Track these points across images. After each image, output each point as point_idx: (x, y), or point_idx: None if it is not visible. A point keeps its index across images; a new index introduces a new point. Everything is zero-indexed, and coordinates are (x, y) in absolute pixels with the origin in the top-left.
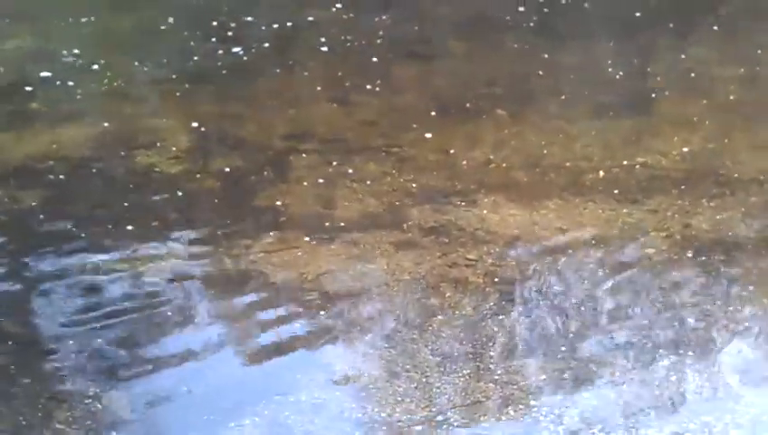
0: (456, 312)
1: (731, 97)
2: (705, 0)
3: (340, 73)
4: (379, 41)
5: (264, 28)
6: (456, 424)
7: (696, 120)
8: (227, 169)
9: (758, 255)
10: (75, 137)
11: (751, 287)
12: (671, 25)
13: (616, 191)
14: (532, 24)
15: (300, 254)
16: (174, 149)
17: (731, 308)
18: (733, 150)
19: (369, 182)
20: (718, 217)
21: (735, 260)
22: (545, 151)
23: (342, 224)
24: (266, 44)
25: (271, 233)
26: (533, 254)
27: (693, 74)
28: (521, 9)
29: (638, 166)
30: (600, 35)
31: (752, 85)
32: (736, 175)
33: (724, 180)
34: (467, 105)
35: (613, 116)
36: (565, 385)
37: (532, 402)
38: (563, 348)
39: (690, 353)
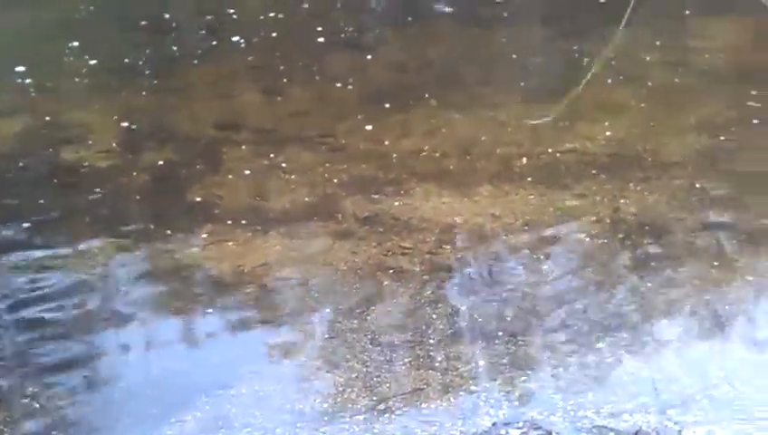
0: (394, 300)
1: (655, 82)
2: None
3: (271, 63)
4: (311, 30)
5: (196, 18)
6: (397, 412)
7: (622, 106)
8: (159, 163)
9: (687, 236)
10: (1, 132)
11: (680, 268)
12: (599, 11)
13: (545, 177)
14: (462, 13)
15: (235, 246)
16: (103, 143)
17: (662, 289)
18: (657, 135)
19: (302, 173)
20: (645, 200)
21: (664, 242)
22: (476, 139)
23: (277, 215)
24: (198, 35)
25: (205, 226)
26: (467, 241)
27: (619, 60)
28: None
29: (566, 152)
30: (528, 22)
31: (675, 70)
32: (661, 159)
33: (650, 164)
34: (397, 93)
35: (541, 102)
36: (504, 370)
37: (472, 388)
38: (500, 333)
39: (625, 335)
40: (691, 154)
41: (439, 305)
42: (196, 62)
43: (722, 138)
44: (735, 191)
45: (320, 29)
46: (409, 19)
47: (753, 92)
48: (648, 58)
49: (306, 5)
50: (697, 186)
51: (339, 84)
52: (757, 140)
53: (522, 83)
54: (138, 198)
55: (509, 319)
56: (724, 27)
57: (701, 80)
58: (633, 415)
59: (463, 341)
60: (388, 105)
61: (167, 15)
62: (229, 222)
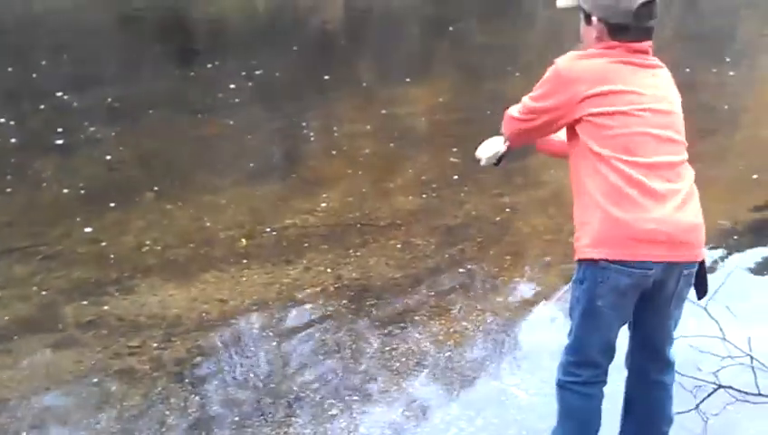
0: (125, 403)
1: (367, 150)
2: (328, 72)
3: None
4: (10, 133)
5: None
6: None
7: (336, 177)
8: None
9: (404, 293)
10: None
11: (402, 324)
12: (297, 93)
13: (269, 255)
14: (170, 103)
15: None
16: None
17: (387, 348)
18: (369, 201)
19: (15, 286)
20: (365, 264)
21: (386, 301)
22: (198, 226)
23: None
24: None
25: None
26: (197, 330)
27: (324, 135)
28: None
29: (287, 227)
30: (243, 103)
31: (375, 139)
32: (375, 222)
33: (366, 229)
34: (114, 191)
35: (258, 183)
36: None
37: None
38: (236, 418)
39: (355, 398)
40: (402, 215)
41: (172, 401)
42: None
43: (424, 196)
44: (445, 245)
45: (22, 133)
46: (119, 112)
47: (454, 149)
48: (366, 127)
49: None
50: (410, 243)
51: (47, 188)
52: (458, 195)
53: (241, 164)
54: None
55: (245, 403)
56: (424, 91)
57: (407, 144)
58: None
59: (200, 433)
60: (103, 204)
61: None
62: None
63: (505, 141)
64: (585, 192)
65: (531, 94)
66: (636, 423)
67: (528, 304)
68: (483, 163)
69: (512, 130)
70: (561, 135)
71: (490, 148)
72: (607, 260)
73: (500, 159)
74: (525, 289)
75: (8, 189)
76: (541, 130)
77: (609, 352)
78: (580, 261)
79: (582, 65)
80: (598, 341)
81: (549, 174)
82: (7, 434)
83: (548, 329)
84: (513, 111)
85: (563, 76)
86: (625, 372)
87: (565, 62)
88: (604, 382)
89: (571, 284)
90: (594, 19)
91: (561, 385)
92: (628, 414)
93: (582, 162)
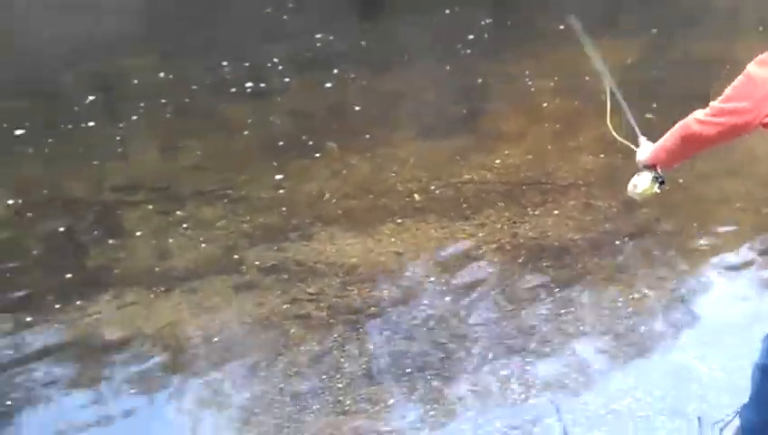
0: (302, 348)
1: (547, 108)
2: (519, 25)
3: (165, 120)
4: (206, 83)
5: (85, 80)
6: None
7: (516, 134)
8: (55, 231)
9: (582, 254)
10: None
11: (578, 287)
12: (487, 47)
13: (446, 209)
14: (355, 56)
15: (139, 309)
16: None
17: (562, 311)
18: (550, 159)
19: (203, 228)
20: (543, 223)
21: (562, 262)
22: (377, 178)
23: (180, 273)
24: (90, 97)
25: (107, 291)
26: (373, 280)
27: (509, 90)
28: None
29: (464, 183)
30: (418, 61)
31: (562, 95)
32: (556, 182)
33: (546, 188)
34: (299, 141)
35: (438, 137)
36: (414, 407)
37: (383, 429)
38: (409, 370)
39: (530, 357)
40: (584, 175)
41: (346, 348)
42: (88, 124)
43: (604, 156)
44: (628, 208)
45: (216, 80)
46: (306, 64)
47: (653, 105)
48: (551, 83)
49: (201, 58)
50: (590, 205)
51: (235, 135)
52: None
53: (422, 118)
54: (36, 267)
55: (417, 355)
56: (614, 48)
57: (593, 101)
58: None
59: (372, 381)
60: (288, 153)
61: (54, 80)
62: (131, 285)
63: (653, 168)
64: None
65: (720, 99)
66: None
67: (714, 275)
68: (639, 199)
69: (683, 138)
70: None
71: (643, 181)
72: None
73: (662, 183)
74: (712, 259)
75: (200, 134)
76: (722, 135)
77: None
78: None
79: None
80: None
81: (742, 138)
82: (190, 371)
83: (734, 303)
84: (698, 113)
85: (753, 77)
86: None
87: (756, 62)
88: None
89: None
90: None
91: (764, 370)
92: None
93: None
